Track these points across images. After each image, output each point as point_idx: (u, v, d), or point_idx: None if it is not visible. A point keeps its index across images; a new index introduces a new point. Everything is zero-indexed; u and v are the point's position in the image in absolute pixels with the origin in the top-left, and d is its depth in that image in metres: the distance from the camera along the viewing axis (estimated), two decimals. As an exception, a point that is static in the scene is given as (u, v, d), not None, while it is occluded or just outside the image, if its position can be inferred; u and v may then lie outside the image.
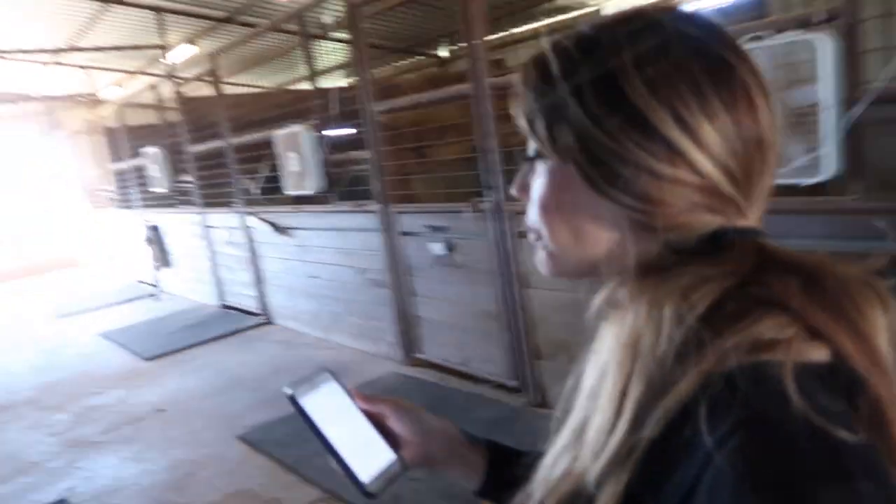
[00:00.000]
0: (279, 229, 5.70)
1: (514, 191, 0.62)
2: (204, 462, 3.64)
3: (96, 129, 10.58)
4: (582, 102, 0.51)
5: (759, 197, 0.54)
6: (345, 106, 5.15)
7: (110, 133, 10.01)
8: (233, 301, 7.00)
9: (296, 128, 5.08)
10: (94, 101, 10.94)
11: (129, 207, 9.42)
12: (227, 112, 6.27)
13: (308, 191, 5.08)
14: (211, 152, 6.62)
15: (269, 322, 6.32)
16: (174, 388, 4.94)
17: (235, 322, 6.46)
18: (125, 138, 9.03)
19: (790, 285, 0.48)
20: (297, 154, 5.07)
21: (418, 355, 4.55)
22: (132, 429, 4.27)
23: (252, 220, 6.14)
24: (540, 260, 0.61)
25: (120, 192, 9.89)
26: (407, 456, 0.76)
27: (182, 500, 3.31)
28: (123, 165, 9.24)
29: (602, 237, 0.54)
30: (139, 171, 8.40)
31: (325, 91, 5.46)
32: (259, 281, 6.36)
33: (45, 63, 9.67)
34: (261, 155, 5.93)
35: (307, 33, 5.58)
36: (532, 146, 0.58)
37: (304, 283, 5.64)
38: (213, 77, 6.23)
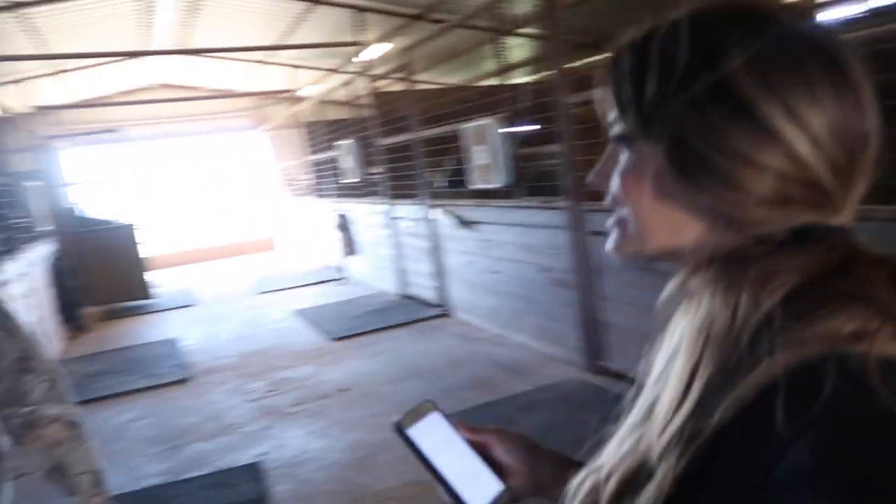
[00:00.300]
0: (465, 223, 5.71)
1: (591, 178, 0.60)
2: (383, 446, 3.70)
3: (296, 124, 11.50)
4: (685, 92, 0.50)
5: (855, 197, 0.52)
6: (534, 100, 5.03)
7: (308, 127, 10.82)
8: (413, 291, 7.18)
9: (485, 121, 5.05)
10: (294, 98, 11.87)
11: (322, 196, 10.09)
12: (417, 106, 6.42)
13: (495, 184, 5.02)
14: (399, 145, 6.84)
15: (447, 314, 6.38)
16: (357, 369, 5.14)
17: (415, 311, 6.61)
18: (321, 132, 9.68)
19: (876, 280, 0.47)
20: (486, 147, 5.03)
21: (603, 363, 4.28)
22: (318, 405, 4.49)
23: (436, 213, 6.23)
24: (615, 242, 0.58)
25: (315, 182, 10.66)
26: (515, 485, 0.76)
27: (361, 480, 3.38)
28: (319, 157, 9.93)
29: (690, 226, 0.53)
30: (333, 162, 8.96)
31: (515, 86, 5.41)
32: (440, 273, 6.44)
33: (259, 62, 10.65)
34: (446, 148, 6.00)
35: (497, 28, 5.55)
36: (618, 128, 0.55)
37: (484, 277, 5.60)
38: (405, 73, 6.41)
